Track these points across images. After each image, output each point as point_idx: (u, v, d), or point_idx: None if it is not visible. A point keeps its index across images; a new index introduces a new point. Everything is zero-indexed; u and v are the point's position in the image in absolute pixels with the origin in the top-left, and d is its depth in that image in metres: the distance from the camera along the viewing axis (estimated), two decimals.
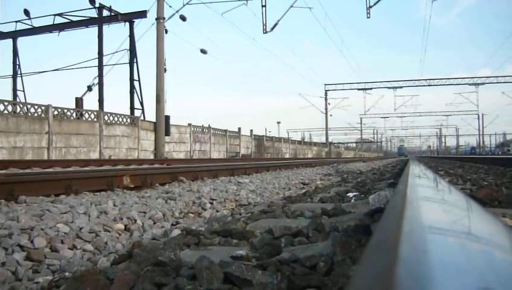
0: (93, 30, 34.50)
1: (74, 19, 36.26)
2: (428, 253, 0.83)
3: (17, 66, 40.03)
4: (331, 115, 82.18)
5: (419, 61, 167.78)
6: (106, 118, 28.18)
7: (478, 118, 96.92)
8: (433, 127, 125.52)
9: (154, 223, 4.84)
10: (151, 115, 33.00)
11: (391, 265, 0.72)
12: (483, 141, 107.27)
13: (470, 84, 74.06)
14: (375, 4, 36.38)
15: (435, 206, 1.75)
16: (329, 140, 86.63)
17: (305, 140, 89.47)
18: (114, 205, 5.24)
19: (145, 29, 48.03)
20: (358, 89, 78.63)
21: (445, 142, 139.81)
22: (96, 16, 34.21)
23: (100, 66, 33.36)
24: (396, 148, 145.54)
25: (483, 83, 73.39)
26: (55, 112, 24.35)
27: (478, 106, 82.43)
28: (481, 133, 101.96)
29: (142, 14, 32.98)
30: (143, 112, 34.17)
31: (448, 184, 3.37)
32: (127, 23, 34.00)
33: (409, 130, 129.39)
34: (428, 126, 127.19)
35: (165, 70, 30.85)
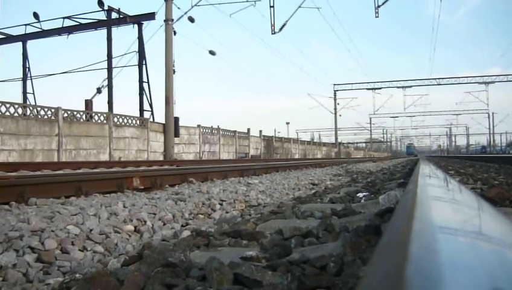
0: (102, 32, 34.76)
1: (83, 21, 36.44)
2: (439, 253, 0.82)
3: (27, 69, 40.29)
4: (340, 115, 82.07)
5: (429, 60, 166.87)
6: (116, 120, 28.28)
7: (488, 117, 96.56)
8: (443, 126, 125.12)
9: (164, 224, 4.85)
10: (160, 117, 33.14)
11: (402, 265, 0.71)
12: (493, 140, 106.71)
13: (479, 83, 73.71)
14: (383, 3, 36.31)
15: (445, 206, 1.75)
16: (339, 140, 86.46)
17: (315, 140, 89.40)
18: (124, 207, 5.25)
19: (153, 31, 48.24)
20: (368, 89, 78.46)
21: (455, 142, 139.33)
22: (105, 19, 34.37)
23: (109, 68, 33.52)
24: (405, 148, 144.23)
25: (493, 82, 72.96)
26: (65, 114, 24.49)
27: (488, 105, 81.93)
28: (491, 132, 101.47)
29: (151, 16, 33.08)
30: (152, 114, 34.31)
31: (459, 184, 3.36)
32: (136, 25, 34.10)
33: (419, 130, 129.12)
34: (438, 125, 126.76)
35: (174, 71, 30.99)
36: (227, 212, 5.92)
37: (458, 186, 2.87)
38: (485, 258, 0.86)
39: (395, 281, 0.68)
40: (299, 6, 38.26)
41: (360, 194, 6.25)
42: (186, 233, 3.96)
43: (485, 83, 73.50)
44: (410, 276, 0.67)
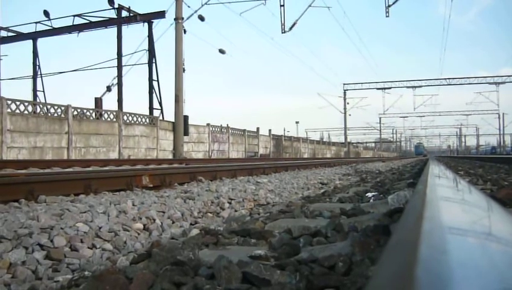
0: (112, 31, 34.78)
1: (93, 19, 36.49)
2: (448, 253, 0.82)
3: (37, 67, 40.39)
4: (349, 115, 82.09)
5: (439, 60, 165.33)
6: (125, 118, 28.36)
7: (499, 118, 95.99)
8: (453, 126, 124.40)
9: (173, 222, 4.86)
10: (170, 115, 33.16)
11: (411, 265, 0.71)
12: (503, 141, 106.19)
13: (490, 84, 73.39)
14: (394, 3, 36.17)
15: (454, 207, 1.74)
16: (348, 140, 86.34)
17: (324, 140, 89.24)
18: (133, 205, 5.26)
19: (163, 29, 48.28)
20: (377, 89, 78.28)
21: (465, 142, 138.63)
22: (115, 17, 34.44)
23: (119, 67, 33.58)
24: (414, 148, 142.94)
25: (504, 82, 72.61)
26: (75, 112, 24.58)
27: (498, 105, 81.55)
28: (502, 132, 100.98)
29: (161, 14, 33.11)
30: (162, 112, 34.33)
31: (468, 184, 3.34)
32: (146, 24, 34.14)
33: (429, 130, 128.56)
34: (448, 126, 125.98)
35: (184, 70, 31.02)
36: (236, 211, 5.93)
37: (468, 186, 2.86)
38: (495, 258, 0.86)
39: (404, 281, 0.67)
40: (309, 6, 38.23)
41: (369, 194, 6.23)
42: (195, 231, 3.97)
43: (495, 83, 73.16)
44: (419, 276, 0.66)
